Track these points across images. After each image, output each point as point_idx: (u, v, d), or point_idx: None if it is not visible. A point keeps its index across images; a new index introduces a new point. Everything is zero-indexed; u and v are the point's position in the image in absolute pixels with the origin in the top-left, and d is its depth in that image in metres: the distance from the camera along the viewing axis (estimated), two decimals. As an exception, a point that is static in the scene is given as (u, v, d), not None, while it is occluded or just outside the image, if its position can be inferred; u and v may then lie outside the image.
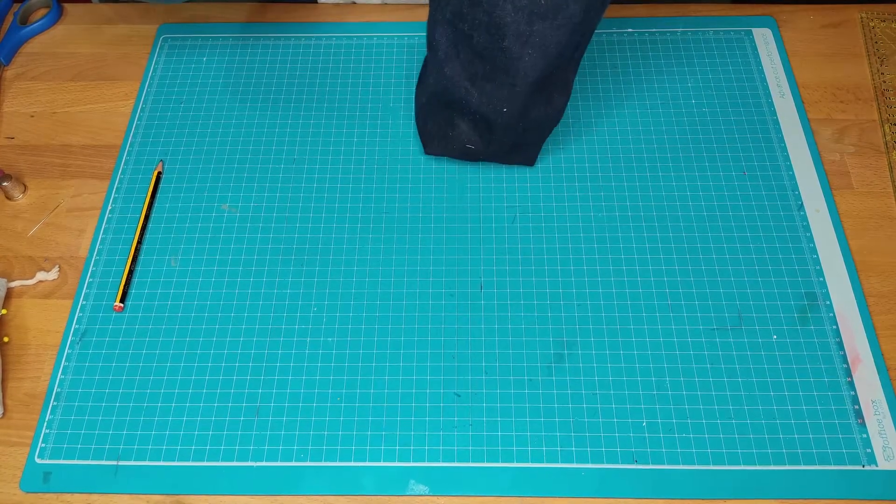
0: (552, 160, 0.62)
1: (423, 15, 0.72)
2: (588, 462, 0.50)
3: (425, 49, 0.69)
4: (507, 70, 0.53)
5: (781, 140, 0.63)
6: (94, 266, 0.58)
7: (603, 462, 0.50)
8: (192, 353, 0.54)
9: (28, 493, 0.50)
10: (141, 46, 0.72)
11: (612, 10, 0.71)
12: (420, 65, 0.68)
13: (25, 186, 0.63)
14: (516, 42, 0.51)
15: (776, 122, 0.64)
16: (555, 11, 0.50)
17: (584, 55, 0.69)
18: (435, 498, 0.49)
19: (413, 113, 0.66)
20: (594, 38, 0.70)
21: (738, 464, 0.49)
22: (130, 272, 0.58)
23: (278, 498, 0.49)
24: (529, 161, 0.62)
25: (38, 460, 0.50)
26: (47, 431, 0.51)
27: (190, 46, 0.71)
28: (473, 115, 0.57)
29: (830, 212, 0.60)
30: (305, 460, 0.50)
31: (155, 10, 0.74)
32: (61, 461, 0.50)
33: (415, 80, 0.67)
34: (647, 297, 0.56)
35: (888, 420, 0.51)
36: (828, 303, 0.55)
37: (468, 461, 0.50)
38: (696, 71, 0.67)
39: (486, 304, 0.56)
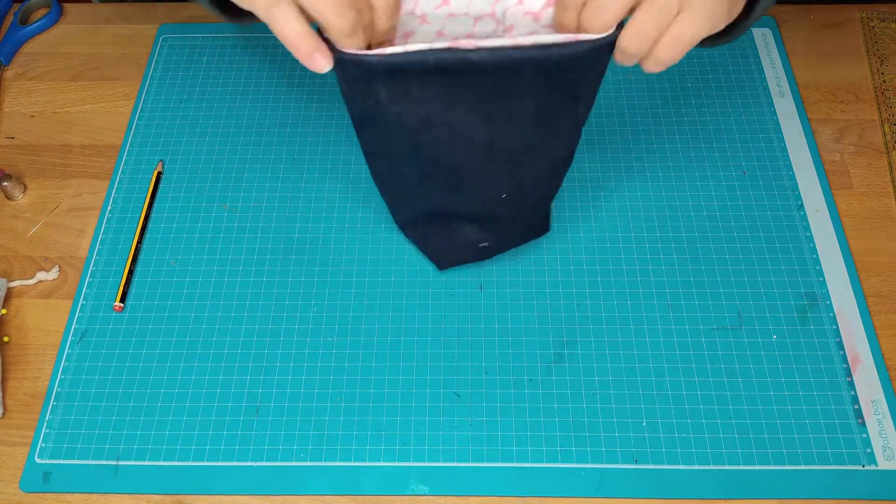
0: (552, 160, 0.62)
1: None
2: (588, 462, 0.50)
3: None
4: (479, 180, 0.48)
5: (781, 140, 0.63)
6: (94, 266, 0.58)
7: (603, 462, 0.50)
8: (192, 353, 0.54)
9: (28, 493, 0.50)
10: (141, 46, 0.72)
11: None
12: None
13: (25, 186, 0.63)
14: (477, 172, 0.46)
15: (776, 122, 0.64)
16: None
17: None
18: (435, 498, 0.49)
19: None
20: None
21: (738, 464, 0.49)
22: (130, 272, 0.58)
23: (278, 498, 0.49)
24: (545, 230, 0.57)
25: (38, 460, 0.50)
26: (47, 431, 0.51)
27: (190, 46, 0.71)
28: (470, 217, 0.52)
29: (830, 212, 0.60)
30: (305, 460, 0.50)
31: (155, 9, 0.74)
32: (61, 461, 0.50)
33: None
34: (647, 297, 0.56)
35: (888, 420, 0.51)
36: (828, 303, 0.55)
37: (468, 461, 0.50)
38: (696, 71, 0.67)
39: (486, 304, 0.56)
